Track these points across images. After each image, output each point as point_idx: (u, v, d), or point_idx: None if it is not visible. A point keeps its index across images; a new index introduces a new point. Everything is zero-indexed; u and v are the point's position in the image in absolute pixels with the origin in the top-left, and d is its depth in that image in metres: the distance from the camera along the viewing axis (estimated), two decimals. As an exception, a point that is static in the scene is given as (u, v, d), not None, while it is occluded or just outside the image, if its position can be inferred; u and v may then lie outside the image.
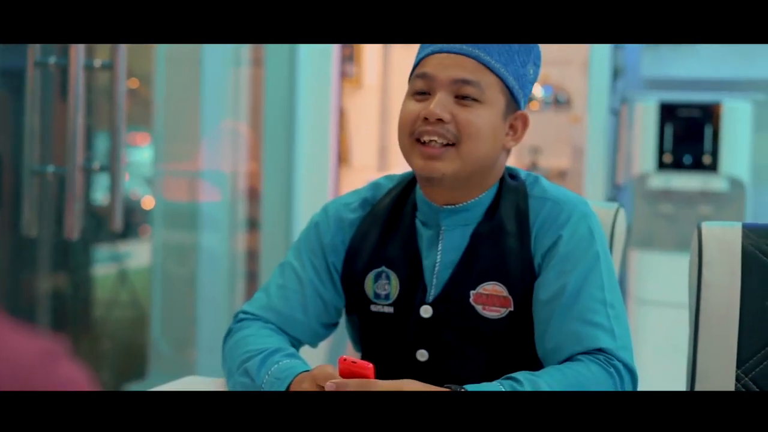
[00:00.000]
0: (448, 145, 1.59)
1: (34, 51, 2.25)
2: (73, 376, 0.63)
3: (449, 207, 1.66)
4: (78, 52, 2.23)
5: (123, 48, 2.25)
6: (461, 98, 1.59)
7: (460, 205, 1.66)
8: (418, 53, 1.65)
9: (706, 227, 1.71)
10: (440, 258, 1.67)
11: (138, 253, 5.49)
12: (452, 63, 1.59)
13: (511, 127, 1.65)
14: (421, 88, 1.61)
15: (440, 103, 1.58)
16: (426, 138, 1.59)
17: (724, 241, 1.69)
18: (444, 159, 1.59)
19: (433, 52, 1.61)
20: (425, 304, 1.66)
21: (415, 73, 1.63)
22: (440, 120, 1.58)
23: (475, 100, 1.59)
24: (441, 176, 1.60)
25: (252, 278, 4.03)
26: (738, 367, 1.66)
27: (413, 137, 1.61)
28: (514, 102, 1.63)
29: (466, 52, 1.59)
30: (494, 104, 1.60)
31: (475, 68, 1.59)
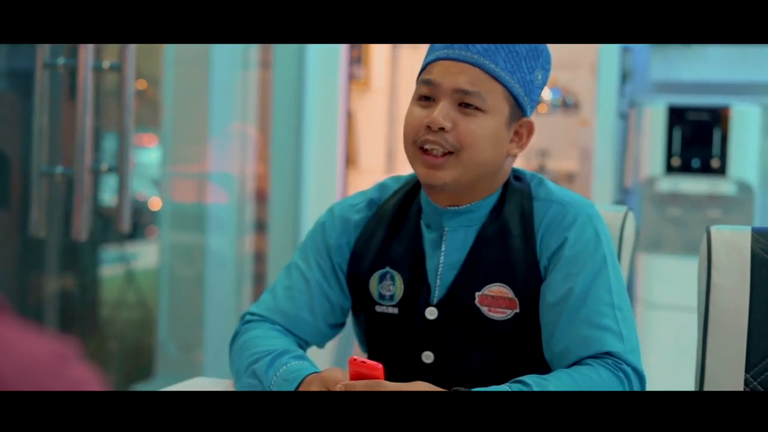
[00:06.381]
0: (448, 153, 1.59)
1: (43, 52, 2.25)
2: (84, 377, 0.63)
3: (453, 208, 1.66)
4: (87, 53, 2.23)
5: (132, 49, 2.25)
6: (464, 106, 1.58)
7: (464, 206, 1.66)
8: (426, 56, 1.65)
9: (716, 231, 1.71)
10: (443, 259, 1.66)
11: (145, 254, 5.50)
12: (457, 71, 1.58)
13: (516, 133, 1.64)
14: (425, 94, 1.61)
15: (442, 112, 1.57)
16: (428, 146, 1.59)
17: (733, 244, 1.68)
18: (445, 167, 1.59)
19: (439, 59, 1.60)
20: (430, 305, 1.66)
21: (421, 79, 1.63)
22: (442, 129, 1.58)
23: (477, 108, 1.58)
24: (443, 184, 1.61)
25: (259, 280, 4.03)
26: (747, 371, 1.66)
27: (416, 145, 1.61)
28: (520, 109, 1.62)
29: (471, 60, 1.58)
30: (497, 113, 1.59)
31: (479, 77, 1.58)
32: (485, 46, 1.58)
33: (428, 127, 1.58)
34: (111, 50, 3.27)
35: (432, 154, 1.59)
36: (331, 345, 1.86)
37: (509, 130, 1.62)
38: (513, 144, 1.64)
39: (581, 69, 5.43)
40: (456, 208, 1.66)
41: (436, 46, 1.63)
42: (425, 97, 1.61)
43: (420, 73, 1.64)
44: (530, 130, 1.65)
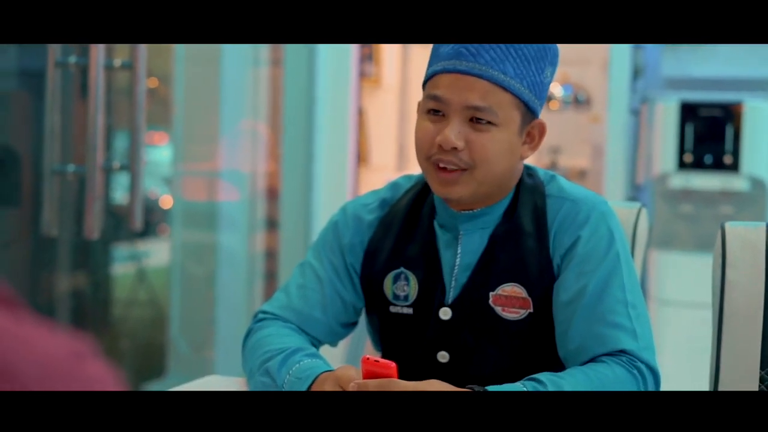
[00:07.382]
0: (463, 169, 1.57)
1: (54, 51, 2.25)
2: (100, 375, 0.63)
3: (467, 213, 1.65)
4: (98, 51, 2.23)
5: (143, 48, 2.25)
6: (475, 121, 1.56)
7: (478, 210, 1.65)
8: (431, 62, 1.61)
9: (730, 227, 1.70)
10: (459, 260, 1.66)
11: (157, 252, 5.51)
12: (466, 86, 1.54)
13: (528, 134, 1.62)
14: (434, 108, 1.58)
15: (454, 131, 1.55)
16: (442, 164, 1.58)
17: (747, 241, 1.67)
18: (459, 183, 1.58)
19: (446, 70, 1.56)
20: (444, 305, 1.66)
21: (428, 93, 1.59)
22: (455, 148, 1.56)
23: (489, 122, 1.55)
24: (458, 198, 1.60)
25: (271, 278, 4.03)
26: (762, 367, 1.65)
27: (430, 161, 1.59)
28: (531, 112, 1.60)
29: (480, 73, 1.54)
30: (509, 123, 1.57)
31: (488, 91, 1.54)
32: (493, 53, 1.54)
33: (440, 146, 1.57)
34: (122, 49, 3.28)
35: (446, 170, 1.58)
36: (343, 343, 1.86)
37: (522, 136, 1.60)
38: (526, 146, 1.63)
39: (593, 65, 5.42)
40: (471, 212, 1.65)
41: (442, 51, 1.58)
42: (434, 111, 1.58)
43: (425, 81, 1.61)
44: (542, 131, 1.64)
